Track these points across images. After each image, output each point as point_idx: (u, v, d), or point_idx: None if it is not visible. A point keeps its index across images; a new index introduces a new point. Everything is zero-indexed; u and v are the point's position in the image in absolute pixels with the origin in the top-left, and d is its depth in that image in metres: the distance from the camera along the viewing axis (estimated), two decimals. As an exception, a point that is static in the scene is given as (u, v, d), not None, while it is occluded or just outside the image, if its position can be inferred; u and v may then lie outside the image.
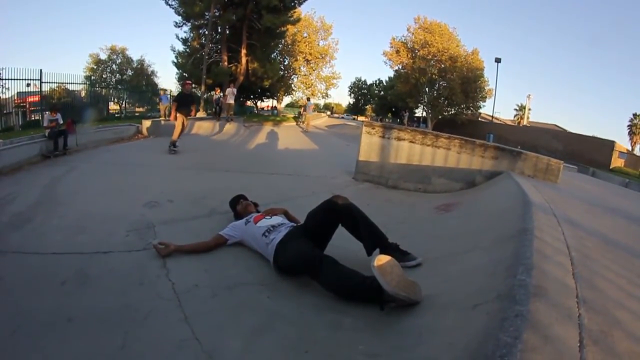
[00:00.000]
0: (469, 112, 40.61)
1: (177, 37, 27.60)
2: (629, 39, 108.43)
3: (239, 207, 3.75)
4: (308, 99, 25.79)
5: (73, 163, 7.04)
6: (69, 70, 48.46)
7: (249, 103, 36.71)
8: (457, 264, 2.54)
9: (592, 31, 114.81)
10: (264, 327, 2.08)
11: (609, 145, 30.45)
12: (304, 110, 24.21)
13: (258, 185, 5.72)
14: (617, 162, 31.04)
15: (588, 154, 28.99)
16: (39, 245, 3.14)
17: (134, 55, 44.19)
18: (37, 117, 13.60)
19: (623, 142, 46.67)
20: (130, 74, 41.71)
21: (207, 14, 23.59)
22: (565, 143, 31.48)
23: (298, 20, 28.81)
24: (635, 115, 52.81)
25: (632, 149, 48.52)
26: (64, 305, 2.23)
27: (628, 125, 53.59)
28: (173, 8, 24.60)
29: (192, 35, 26.86)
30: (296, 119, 28.37)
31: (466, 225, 3.46)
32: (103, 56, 40.76)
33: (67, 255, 2.95)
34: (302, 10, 32.07)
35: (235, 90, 18.51)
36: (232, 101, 18.12)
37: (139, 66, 42.26)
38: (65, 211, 4.09)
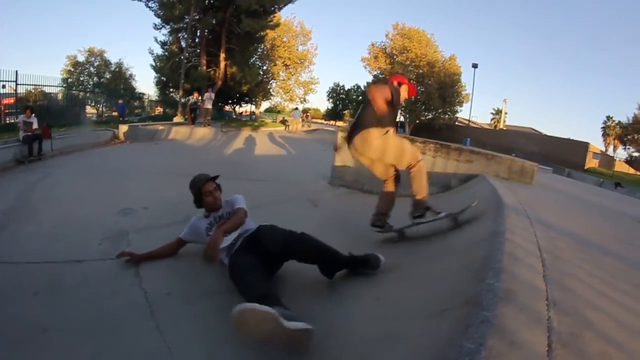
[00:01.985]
0: (446, 116, 41.20)
1: (156, 40, 27.25)
2: (604, 42, 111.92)
3: (208, 199, 3.11)
4: (296, 109, 28.40)
5: (48, 169, 6.92)
6: (46, 72, 47.44)
7: (227, 108, 36.46)
8: (429, 269, 2.52)
9: (567, 34, 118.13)
10: (234, 336, 2.03)
11: (584, 146, 31.39)
12: (293, 117, 26.53)
13: (233, 191, 5.52)
14: (591, 162, 32.10)
15: (563, 155, 29.82)
16: (12, 253, 3.11)
17: (113, 58, 43.43)
18: (12, 120, 13.19)
19: (597, 143, 48.41)
20: (108, 77, 41.06)
21: (186, 17, 23.47)
22: (541, 145, 32.25)
23: (277, 25, 28.87)
24: (608, 117, 54.83)
25: (606, 150, 50.39)
26: (38, 315, 2.22)
27: (602, 127, 55.57)
28: (153, 10, 24.34)
29: (171, 38, 26.63)
30: (284, 123, 29.36)
31: (440, 228, 3.47)
32: (81, 58, 40.23)
33: (41, 264, 2.91)
34: (282, 15, 32.15)
35: (213, 95, 18.27)
36: (209, 106, 17.84)
37: (117, 69, 41.68)
38: (39, 218, 4.05)
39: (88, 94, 24.66)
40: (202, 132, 15.19)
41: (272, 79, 38.20)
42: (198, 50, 25.67)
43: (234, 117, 36.64)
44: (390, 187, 3.71)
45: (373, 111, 3.17)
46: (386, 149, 3.32)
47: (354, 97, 60.76)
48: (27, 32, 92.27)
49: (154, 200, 4.86)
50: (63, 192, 5.36)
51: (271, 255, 2.55)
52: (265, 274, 2.33)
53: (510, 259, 1.87)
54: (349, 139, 3.48)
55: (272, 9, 25.73)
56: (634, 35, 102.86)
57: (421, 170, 3.42)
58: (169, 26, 25.63)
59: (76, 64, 39.93)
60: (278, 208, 4.72)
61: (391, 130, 3.35)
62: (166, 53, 26.53)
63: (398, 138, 3.45)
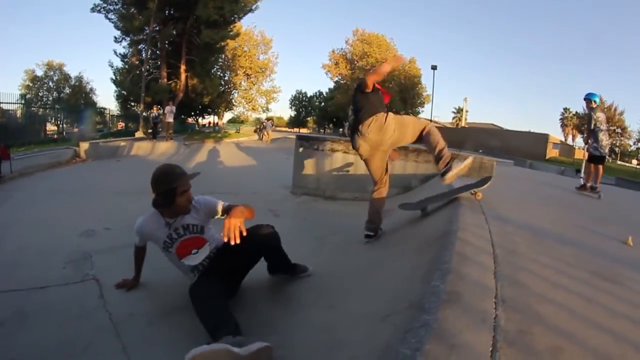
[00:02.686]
0: (409, 118, 41.97)
1: (116, 52, 26.66)
2: (558, 35, 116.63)
3: (181, 200, 2.50)
4: (268, 119, 29.13)
5: (7, 192, 6.60)
6: (2, 88, 45.56)
7: (190, 120, 35.97)
8: (381, 273, 2.53)
9: (522, 29, 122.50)
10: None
11: (543, 138, 32.56)
12: (264, 128, 27.49)
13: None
14: (552, 152, 33.40)
15: (525, 147, 30.82)
16: None
17: (72, 71, 42.11)
18: None
19: (557, 134, 51.01)
20: (68, 91, 39.75)
21: (146, 28, 23.06)
22: (503, 140, 33.19)
23: (238, 34, 28.80)
24: (565, 109, 58.18)
25: (565, 139, 53.46)
26: (4, 346, 2.15)
27: (560, 119, 58.68)
28: (112, 22, 23.89)
29: (131, 51, 26.15)
30: (258, 133, 29.76)
31: (397, 231, 3.48)
32: (39, 72, 38.70)
33: (4, 293, 2.80)
34: (243, 25, 32.07)
35: (174, 109, 17.92)
36: (171, 119, 17.50)
37: (77, 83, 40.36)
38: (0, 245, 3.86)
39: (48, 110, 23.83)
40: (165, 147, 14.89)
41: (234, 89, 38.14)
42: (158, 63, 25.30)
43: (197, 129, 36.19)
44: (382, 192, 3.76)
45: (374, 99, 3.44)
46: (402, 122, 3.48)
47: (317, 103, 61.07)
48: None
49: (116, 220, 4.75)
50: (23, 216, 5.14)
51: (248, 256, 2.58)
52: (223, 298, 2.23)
53: (460, 258, 1.88)
54: (357, 132, 3.52)
55: (232, 18, 25.70)
56: (587, 26, 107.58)
57: (433, 127, 3.63)
58: (129, 38, 25.20)
59: (34, 79, 38.48)
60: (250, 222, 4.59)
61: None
62: (126, 66, 26.09)
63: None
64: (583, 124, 46.47)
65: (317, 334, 1.90)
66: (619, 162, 46.49)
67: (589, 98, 6.48)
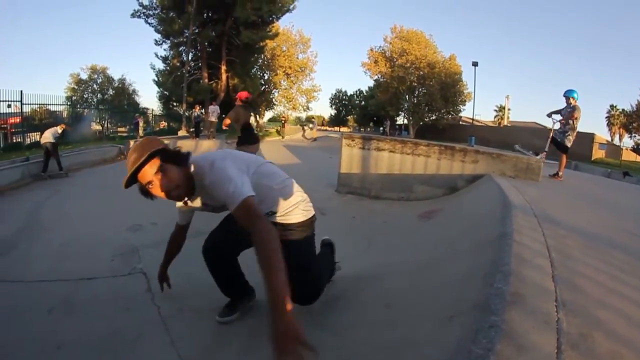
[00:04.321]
0: (450, 116, 41.17)
1: (157, 55, 27.56)
2: (602, 31, 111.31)
3: (155, 189, 1.83)
4: (312, 120, 30.52)
5: (56, 186, 6.98)
6: (50, 90, 47.86)
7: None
8: (436, 273, 2.52)
9: (566, 26, 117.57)
10: (249, 348, 2.09)
11: (589, 137, 31.08)
12: (311, 123, 28.98)
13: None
14: (598, 153, 31.82)
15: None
16: (24, 272, 3.14)
17: (115, 74, 43.69)
18: (18, 140, 13.70)
19: (603, 133, 48.18)
20: (111, 93, 41.30)
21: (186, 31, 23.72)
22: (546, 139, 31.88)
23: (276, 34, 29.11)
24: (612, 106, 54.38)
25: (612, 139, 49.98)
26: (52, 332, 2.24)
27: (606, 117, 55.14)
28: (152, 26, 24.82)
29: (171, 53, 26.99)
30: (303, 127, 30.34)
31: (447, 231, 3.47)
32: (84, 76, 40.33)
33: (52, 282, 2.94)
34: (280, 25, 32.41)
35: (217, 108, 18.35)
36: (214, 119, 17.91)
37: (120, 85, 41.87)
38: (49, 237, 4.09)
39: (93, 111, 24.92)
40: (207, 145, 15.25)
41: (274, 89, 38.52)
42: (199, 64, 25.92)
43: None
44: None
45: None
46: None
47: (357, 102, 60.93)
48: (30, 51, 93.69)
49: (162, 215, 4.82)
50: (72, 209, 5.41)
51: None
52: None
53: (518, 260, 1.88)
54: None
55: (270, 19, 26.01)
56: (631, 22, 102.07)
57: None
58: (169, 41, 26.02)
59: (79, 82, 40.11)
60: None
61: None
62: (168, 68, 26.88)
63: None
64: (631, 122, 44.14)
65: (379, 333, 1.92)
66: None
67: (568, 95, 6.84)
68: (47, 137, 8.45)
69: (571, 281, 1.80)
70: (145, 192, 1.87)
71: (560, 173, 7.12)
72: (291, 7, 26.38)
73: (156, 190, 1.81)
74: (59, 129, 8.85)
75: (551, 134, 7.39)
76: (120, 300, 2.66)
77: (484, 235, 2.61)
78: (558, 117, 7.13)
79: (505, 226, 2.56)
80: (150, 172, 1.76)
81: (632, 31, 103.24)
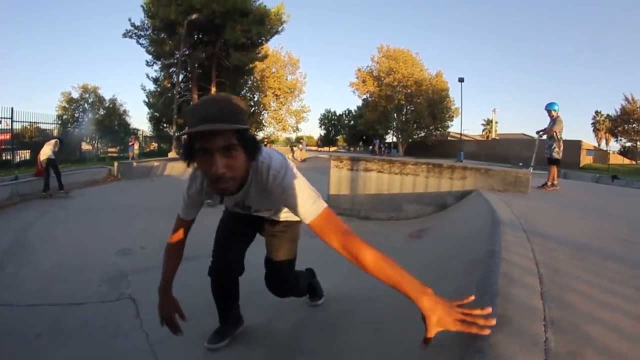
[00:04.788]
0: (438, 132, 41.64)
1: (148, 76, 27.89)
2: (584, 39, 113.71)
3: (210, 168, 1.40)
4: (301, 139, 31.28)
5: (45, 207, 6.88)
6: (41, 109, 47.87)
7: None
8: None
9: (548, 36, 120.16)
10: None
11: (576, 144, 31.56)
12: (299, 144, 29.56)
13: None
14: (586, 159, 32.39)
15: (557, 156, 29.79)
16: (11, 296, 3.11)
17: (106, 94, 43.87)
18: (7, 157, 13.83)
19: (589, 139, 49.64)
20: (102, 113, 41.26)
21: (176, 52, 23.93)
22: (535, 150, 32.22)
23: (265, 56, 29.43)
24: (597, 112, 56.19)
25: (599, 145, 51.66)
26: (40, 358, 2.22)
27: (592, 123, 56.85)
28: (144, 47, 25.13)
29: (162, 74, 27.24)
30: (292, 150, 30.42)
31: (437, 251, 3.46)
32: (75, 95, 40.41)
33: (40, 307, 2.90)
34: (269, 46, 32.80)
35: None
36: None
37: (110, 105, 41.93)
38: (37, 259, 4.06)
39: (83, 131, 24.88)
40: (198, 167, 15.21)
41: (263, 110, 38.83)
42: (190, 85, 26.09)
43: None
44: None
45: None
46: None
47: (346, 122, 61.47)
48: (21, 68, 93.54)
49: (151, 239, 4.83)
50: (60, 231, 5.37)
51: None
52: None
53: (506, 280, 1.86)
54: None
55: (260, 41, 26.36)
56: (612, 30, 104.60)
57: None
58: (160, 62, 26.22)
59: (70, 101, 40.16)
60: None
61: None
62: (158, 89, 27.11)
63: None
64: (617, 126, 45.12)
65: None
66: None
67: (549, 109, 7.06)
68: (47, 152, 8.31)
69: (560, 297, 1.78)
70: (198, 154, 1.39)
71: (555, 182, 7.26)
72: (280, 29, 26.84)
73: (218, 164, 1.36)
74: (54, 144, 8.69)
75: (535, 150, 7.92)
76: (108, 326, 2.63)
77: (473, 254, 2.60)
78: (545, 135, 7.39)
79: (494, 244, 2.55)
80: (220, 142, 1.35)
81: (613, 37, 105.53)
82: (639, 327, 1.51)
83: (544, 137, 7.49)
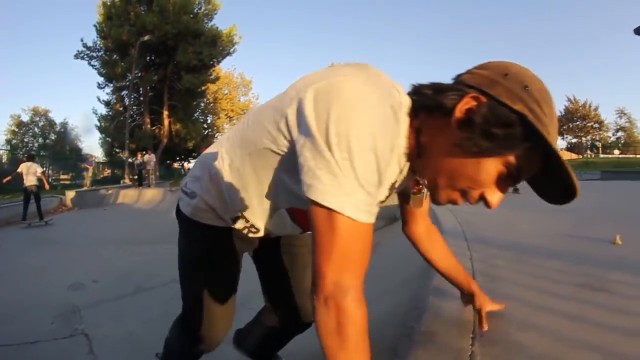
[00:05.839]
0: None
1: (99, 99, 27.17)
2: (523, 41, 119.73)
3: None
4: None
5: None
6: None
7: (176, 165, 36.05)
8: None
9: (488, 36, 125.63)
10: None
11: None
12: None
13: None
14: None
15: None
16: None
17: (57, 118, 42.29)
18: None
19: None
20: (53, 137, 39.67)
21: (128, 75, 23.53)
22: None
23: (217, 78, 29.43)
24: None
25: None
26: None
27: None
28: (96, 69, 24.58)
29: (114, 97, 26.64)
30: None
31: (383, 266, 3.48)
32: (25, 118, 38.80)
33: None
34: (222, 68, 32.72)
35: (153, 157, 18.29)
36: (149, 167, 17.78)
37: (62, 130, 40.35)
38: None
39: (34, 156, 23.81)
40: (151, 194, 14.83)
41: (217, 132, 38.57)
42: (142, 109, 25.62)
43: (184, 173, 36.30)
44: None
45: None
46: None
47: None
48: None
49: (103, 272, 4.82)
50: (10, 267, 5.24)
51: None
52: None
53: (438, 294, 1.84)
54: None
55: (211, 62, 26.26)
56: (552, 34, 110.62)
57: None
58: (111, 85, 25.68)
59: (20, 124, 38.44)
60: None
61: None
62: (110, 112, 26.48)
63: None
64: (562, 125, 48.55)
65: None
66: (601, 156, 48.29)
67: None
68: (32, 179, 7.85)
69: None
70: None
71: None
72: (232, 50, 26.87)
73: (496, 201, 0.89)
74: (38, 169, 8.17)
75: None
76: (61, 364, 2.54)
77: (412, 269, 2.61)
78: None
79: None
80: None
81: (556, 42, 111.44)
82: (575, 327, 1.50)
83: None
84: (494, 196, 0.86)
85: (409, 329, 1.48)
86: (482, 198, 0.87)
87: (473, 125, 0.77)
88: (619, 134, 62.54)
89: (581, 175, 17.27)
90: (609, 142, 60.17)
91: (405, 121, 0.86)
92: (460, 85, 0.82)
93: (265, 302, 1.64)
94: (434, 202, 0.96)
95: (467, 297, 1.50)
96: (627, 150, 56.30)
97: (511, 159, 0.79)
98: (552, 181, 0.81)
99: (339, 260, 0.77)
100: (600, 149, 58.29)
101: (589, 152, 54.33)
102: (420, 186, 0.95)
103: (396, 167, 0.89)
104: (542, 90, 0.78)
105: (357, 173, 0.74)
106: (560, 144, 51.67)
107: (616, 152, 52.24)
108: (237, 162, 1.10)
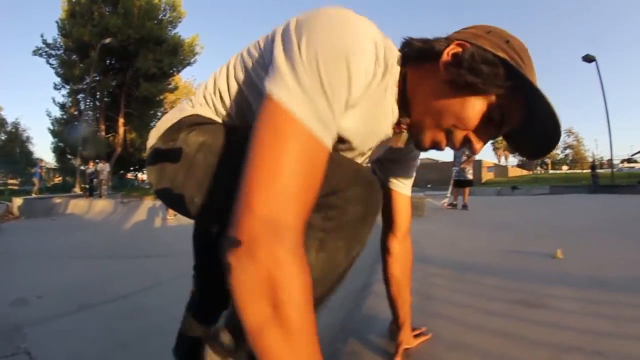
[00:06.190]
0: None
1: (54, 101, 25.92)
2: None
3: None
4: None
5: None
6: None
7: (129, 175, 34.86)
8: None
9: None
10: None
11: (478, 163, 34.46)
12: None
13: (131, 271, 5.25)
14: (487, 175, 35.78)
15: (461, 176, 32.40)
16: None
17: (9, 117, 39.68)
18: None
19: (490, 157, 58.94)
20: (3, 138, 37.34)
21: (86, 77, 22.73)
22: (440, 172, 34.13)
23: (176, 88, 28.98)
24: None
25: (499, 161, 60.70)
26: None
27: (491, 143, 65.94)
28: (53, 68, 23.56)
29: (70, 100, 25.49)
30: None
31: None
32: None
33: None
34: (182, 77, 32.17)
35: (107, 166, 17.71)
36: (102, 177, 17.28)
37: (13, 130, 38.04)
38: None
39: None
40: (102, 205, 14.26)
41: (174, 143, 37.79)
42: (97, 115, 24.76)
43: (137, 184, 35.08)
44: None
45: None
46: None
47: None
48: None
49: (48, 287, 4.50)
50: None
51: None
52: None
53: (370, 314, 1.84)
54: None
55: (171, 71, 25.82)
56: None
57: None
58: (68, 87, 24.68)
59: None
60: (183, 282, 4.41)
61: None
62: (65, 116, 25.37)
63: None
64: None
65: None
66: (551, 172, 51.02)
67: None
68: None
69: (425, 326, 1.69)
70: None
71: (466, 202, 8.19)
72: (192, 60, 26.53)
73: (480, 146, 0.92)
74: None
75: (452, 179, 8.55)
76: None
77: (353, 287, 2.61)
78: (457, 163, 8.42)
79: (371, 275, 2.54)
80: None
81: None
82: (507, 345, 1.50)
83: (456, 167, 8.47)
84: (478, 141, 0.89)
85: (335, 351, 1.49)
86: (467, 142, 0.88)
87: (461, 63, 0.80)
88: (567, 151, 68.63)
89: (530, 191, 17.97)
90: (558, 158, 64.61)
91: (396, 68, 0.88)
92: (449, 39, 0.87)
93: None
94: (417, 147, 0.96)
95: (394, 328, 1.53)
96: (575, 166, 60.89)
97: (495, 100, 0.82)
98: (533, 130, 0.85)
99: (276, 187, 0.59)
100: (549, 165, 62.12)
101: (539, 168, 57.20)
102: (402, 126, 0.94)
103: (388, 111, 0.90)
104: (522, 47, 0.85)
105: (322, 78, 0.66)
106: (511, 160, 54.22)
107: (564, 167, 55.55)
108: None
